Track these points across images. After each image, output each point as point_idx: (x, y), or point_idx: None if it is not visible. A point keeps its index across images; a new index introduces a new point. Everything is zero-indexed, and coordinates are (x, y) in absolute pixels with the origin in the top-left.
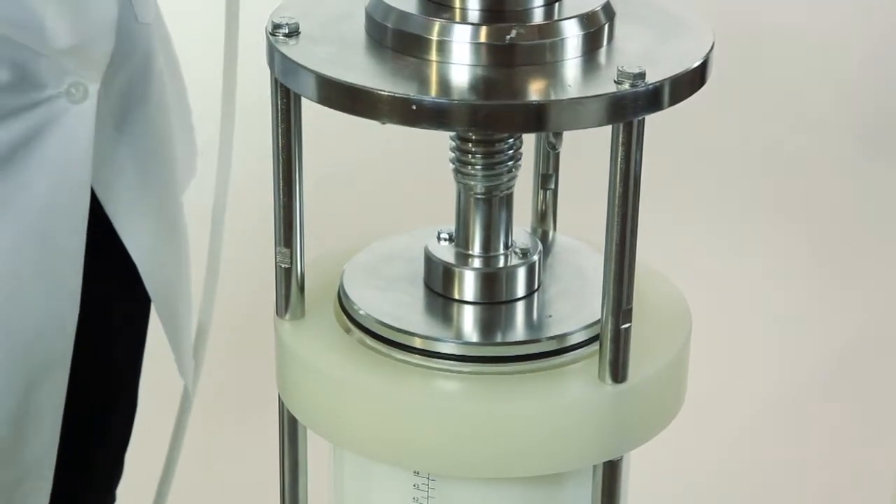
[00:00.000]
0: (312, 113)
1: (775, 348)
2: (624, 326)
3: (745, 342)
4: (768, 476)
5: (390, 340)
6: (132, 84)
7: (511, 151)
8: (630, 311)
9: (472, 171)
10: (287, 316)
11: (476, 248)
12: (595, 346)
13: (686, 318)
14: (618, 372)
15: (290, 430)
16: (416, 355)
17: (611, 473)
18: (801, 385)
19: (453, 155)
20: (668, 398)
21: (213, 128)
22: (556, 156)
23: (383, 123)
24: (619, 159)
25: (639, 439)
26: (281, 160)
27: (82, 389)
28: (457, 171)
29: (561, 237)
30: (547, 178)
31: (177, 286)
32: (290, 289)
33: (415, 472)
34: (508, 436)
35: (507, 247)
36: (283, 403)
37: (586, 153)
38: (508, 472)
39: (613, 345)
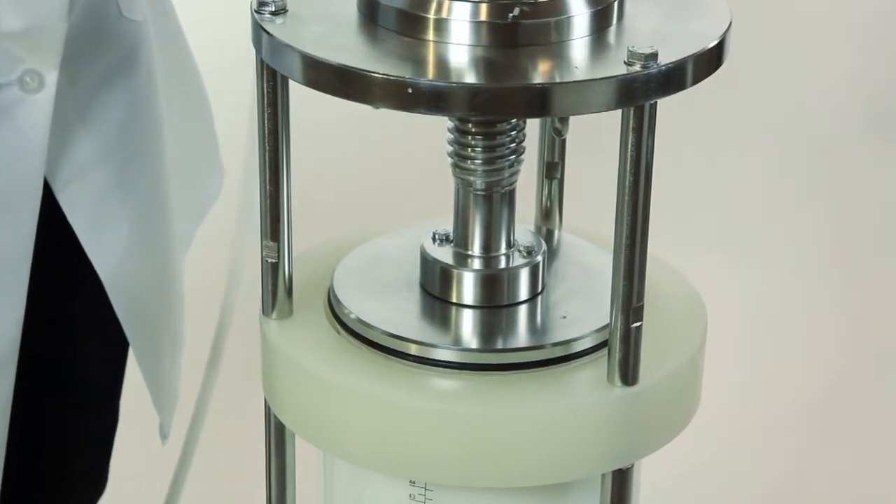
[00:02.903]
0: (301, 97)
1: (796, 349)
2: (634, 325)
3: (764, 342)
4: (786, 485)
5: (385, 347)
6: (107, 79)
7: (513, 144)
8: (641, 308)
9: (472, 166)
10: (274, 314)
11: (476, 247)
12: (603, 352)
13: (701, 317)
14: (628, 373)
15: (277, 437)
16: (412, 363)
17: (620, 483)
18: (822, 388)
19: (451, 148)
20: (682, 402)
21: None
22: (563, 143)
23: (376, 108)
24: (629, 146)
25: (650, 446)
26: (267, 148)
27: (44, 400)
28: (455, 166)
29: (566, 235)
30: (552, 166)
31: (154, 308)
32: (276, 285)
33: (411, 482)
34: (510, 441)
35: (509, 246)
36: (269, 408)
37: (594, 140)
38: (510, 481)
39: (623, 344)
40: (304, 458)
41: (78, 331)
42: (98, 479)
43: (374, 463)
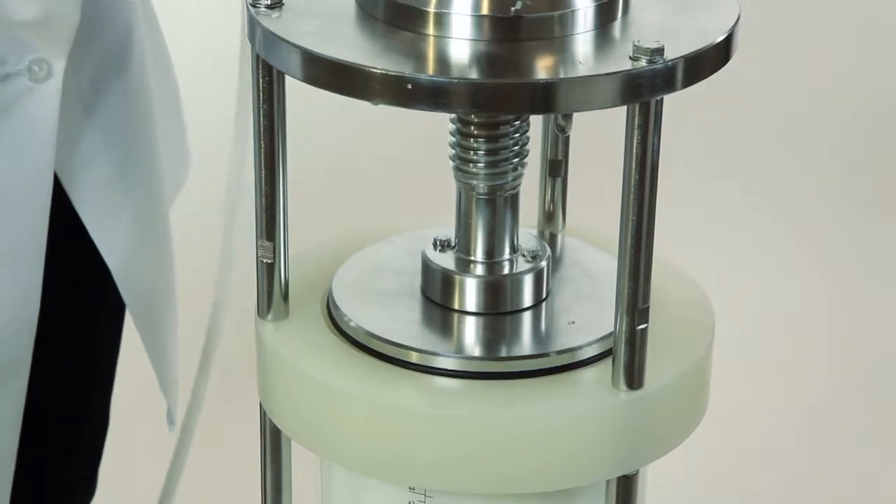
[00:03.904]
0: (297, 93)
1: (807, 352)
2: (640, 327)
3: (774, 345)
4: (796, 490)
5: (385, 356)
6: (106, 65)
7: (517, 147)
8: (646, 310)
9: (475, 169)
10: (269, 316)
11: (478, 253)
12: (609, 359)
13: (708, 319)
14: (633, 377)
15: (273, 443)
16: (413, 371)
17: (625, 489)
18: (834, 394)
19: (453, 151)
20: (689, 406)
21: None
22: (566, 140)
23: (375, 104)
24: (634, 143)
25: (656, 452)
26: (263, 145)
27: (46, 401)
28: (457, 169)
29: (571, 240)
30: (555, 164)
31: (159, 295)
32: (272, 286)
33: (410, 489)
34: (512, 447)
35: (512, 251)
36: (264, 413)
37: (597, 137)
38: (512, 487)
39: (628, 347)
40: (301, 464)
41: (82, 329)
42: (89, 482)
43: (372, 469)
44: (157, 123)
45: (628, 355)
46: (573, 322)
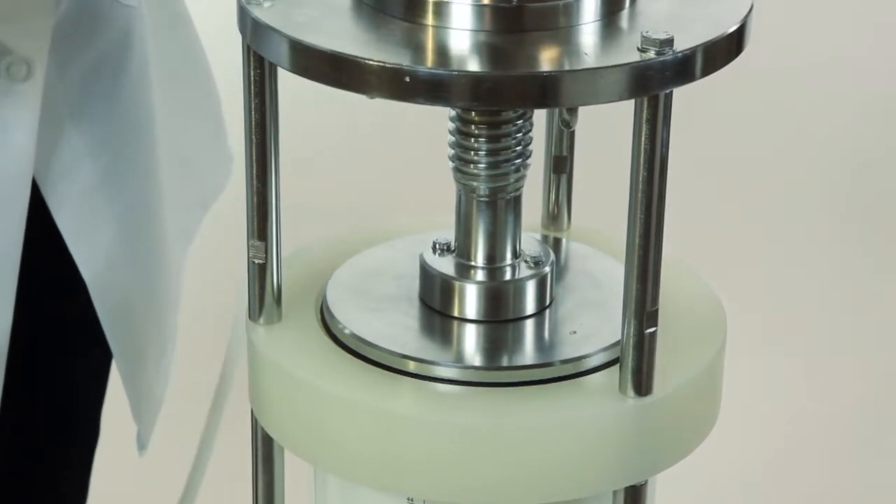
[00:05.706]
0: (290, 86)
1: (822, 356)
2: (648, 331)
3: (788, 348)
4: (809, 500)
5: (382, 364)
6: (98, 68)
7: (519, 147)
8: (655, 313)
9: (475, 171)
10: (261, 319)
11: (479, 258)
12: (616, 369)
13: (720, 321)
14: (641, 383)
15: (265, 451)
16: (411, 380)
17: (633, 500)
18: (849, 397)
19: (453, 151)
20: (700, 413)
21: None
22: (571, 135)
23: (371, 98)
24: (642, 139)
25: (665, 461)
26: (254, 140)
27: (33, 412)
28: (457, 170)
29: (576, 244)
30: (560, 161)
31: (138, 314)
32: (264, 289)
33: (408, 499)
34: (515, 456)
35: (514, 256)
36: (256, 420)
37: (604, 133)
38: (514, 498)
39: (636, 352)
40: (294, 473)
41: (65, 339)
42: (81, 491)
43: (369, 479)
44: (162, 128)
45: (636, 360)
46: (574, 332)
